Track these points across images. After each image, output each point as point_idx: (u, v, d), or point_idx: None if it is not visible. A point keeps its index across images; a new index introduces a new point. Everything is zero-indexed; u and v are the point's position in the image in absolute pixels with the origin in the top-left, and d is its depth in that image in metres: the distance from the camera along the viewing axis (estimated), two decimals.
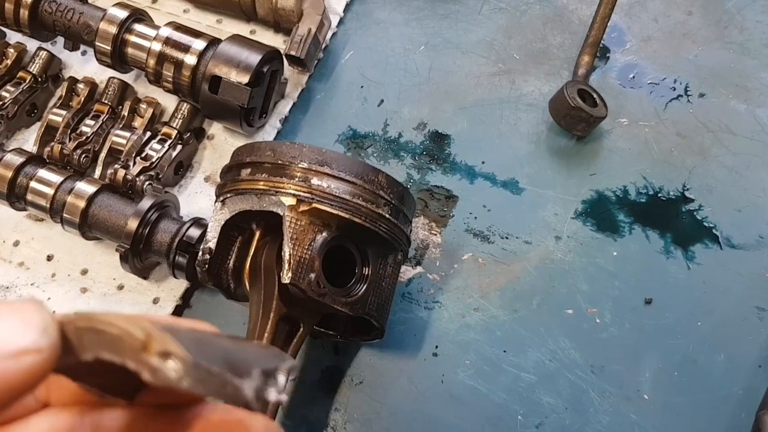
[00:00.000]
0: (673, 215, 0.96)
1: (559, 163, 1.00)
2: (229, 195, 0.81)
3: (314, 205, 0.76)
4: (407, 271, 0.95)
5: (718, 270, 0.93)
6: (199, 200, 1.01)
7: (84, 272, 0.97)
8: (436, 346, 0.91)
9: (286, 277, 0.74)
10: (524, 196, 0.99)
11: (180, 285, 0.95)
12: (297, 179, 0.77)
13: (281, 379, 0.36)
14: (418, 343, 0.92)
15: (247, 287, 0.85)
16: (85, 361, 0.34)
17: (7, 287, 0.96)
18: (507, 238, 0.96)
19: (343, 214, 0.76)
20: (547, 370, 0.89)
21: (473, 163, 1.01)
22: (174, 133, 1.00)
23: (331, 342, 0.92)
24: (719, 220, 0.95)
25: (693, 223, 0.95)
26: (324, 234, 0.77)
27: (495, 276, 0.94)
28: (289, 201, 0.76)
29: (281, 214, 0.76)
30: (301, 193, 0.76)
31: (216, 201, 0.84)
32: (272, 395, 0.35)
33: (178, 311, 0.94)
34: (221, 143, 1.04)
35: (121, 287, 0.96)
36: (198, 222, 0.91)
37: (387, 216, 0.79)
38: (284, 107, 1.05)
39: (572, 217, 0.97)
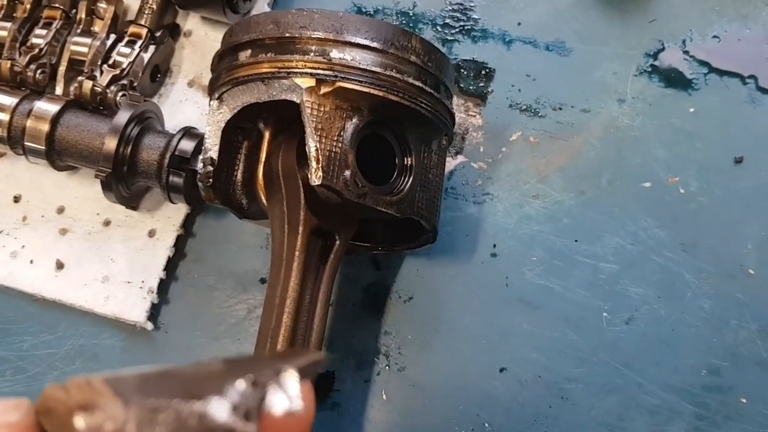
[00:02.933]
0: (755, 55, 0.81)
1: (610, 13, 0.84)
2: (226, 88, 0.64)
3: (339, 83, 0.60)
4: (447, 163, 0.79)
5: None
6: (184, 109, 0.84)
7: (60, 210, 0.81)
8: (494, 245, 0.77)
9: (316, 178, 0.59)
10: (574, 57, 0.83)
11: (178, 211, 0.79)
12: (312, 54, 0.60)
13: (290, 382, 0.29)
14: (471, 244, 0.77)
15: (264, 201, 0.70)
16: None
17: None
18: (560, 108, 0.81)
19: (375, 92, 0.60)
20: (629, 256, 0.75)
21: (507, 27, 0.85)
22: (144, 31, 0.82)
23: (369, 256, 0.78)
24: None
25: None
26: (354, 120, 0.61)
27: (552, 155, 0.79)
28: (307, 83, 0.60)
29: (298, 101, 0.60)
30: (320, 71, 0.60)
31: (210, 99, 0.67)
32: (279, 405, 0.28)
33: (180, 242, 0.79)
34: (202, 39, 0.86)
35: (107, 223, 0.80)
36: (189, 132, 0.75)
37: (428, 90, 0.63)
38: None
39: (635, 75, 0.81)
